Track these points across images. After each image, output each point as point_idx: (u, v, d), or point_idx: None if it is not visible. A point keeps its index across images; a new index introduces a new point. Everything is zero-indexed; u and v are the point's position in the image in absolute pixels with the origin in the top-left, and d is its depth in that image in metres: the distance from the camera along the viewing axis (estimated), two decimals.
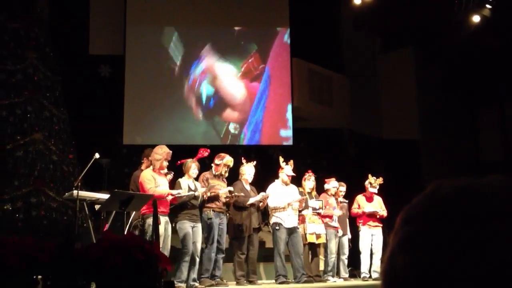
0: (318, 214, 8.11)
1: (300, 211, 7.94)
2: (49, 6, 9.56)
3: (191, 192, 6.90)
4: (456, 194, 0.66)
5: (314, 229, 8.02)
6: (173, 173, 6.95)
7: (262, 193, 7.59)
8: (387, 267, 0.69)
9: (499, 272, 0.59)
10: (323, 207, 8.19)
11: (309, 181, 8.20)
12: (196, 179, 7.23)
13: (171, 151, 6.79)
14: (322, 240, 8.13)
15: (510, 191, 0.65)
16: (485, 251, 0.60)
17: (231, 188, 7.27)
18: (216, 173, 7.33)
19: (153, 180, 6.57)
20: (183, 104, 10.90)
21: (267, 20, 11.52)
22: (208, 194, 7.05)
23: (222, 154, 7.42)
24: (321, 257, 8.39)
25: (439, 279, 0.62)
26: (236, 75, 11.17)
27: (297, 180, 8.18)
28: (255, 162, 7.78)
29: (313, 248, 8.15)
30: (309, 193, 8.17)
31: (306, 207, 8.01)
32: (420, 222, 0.67)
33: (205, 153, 7.24)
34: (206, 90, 10.99)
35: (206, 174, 7.33)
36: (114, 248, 3.76)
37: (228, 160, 7.35)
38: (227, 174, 7.44)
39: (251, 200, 7.44)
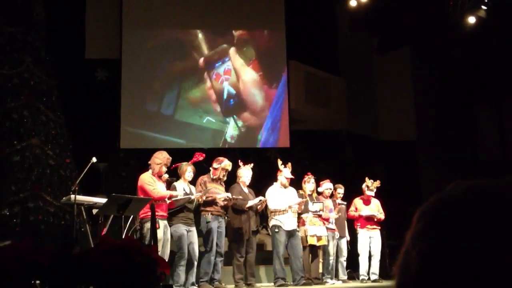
0: (319, 216, 8.09)
1: (300, 214, 7.93)
2: (46, 10, 9.53)
3: (187, 196, 6.89)
4: (463, 193, 0.71)
5: (315, 231, 8.00)
6: (175, 178, 6.96)
7: (260, 197, 7.57)
8: (402, 262, 0.73)
9: (488, 265, 0.64)
10: (324, 209, 8.17)
11: (309, 184, 8.18)
12: (193, 182, 7.22)
13: (170, 157, 6.84)
14: (323, 242, 8.09)
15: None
16: (479, 246, 0.65)
17: (229, 194, 7.25)
18: (214, 177, 7.31)
19: (154, 182, 6.60)
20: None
21: (263, 23, 11.51)
22: (204, 198, 7.04)
23: (221, 158, 7.41)
24: (320, 259, 8.37)
25: (443, 270, 0.66)
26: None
27: (296, 183, 8.16)
28: (252, 165, 7.76)
29: (313, 250, 8.13)
30: (310, 195, 8.15)
31: (306, 210, 7.99)
32: (431, 217, 0.71)
33: (200, 157, 7.23)
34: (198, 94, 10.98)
35: (204, 178, 7.32)
36: (113, 251, 3.74)
37: (227, 164, 7.34)
38: (225, 178, 7.43)
39: (250, 203, 7.43)
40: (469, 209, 0.68)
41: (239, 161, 7.79)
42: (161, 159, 6.76)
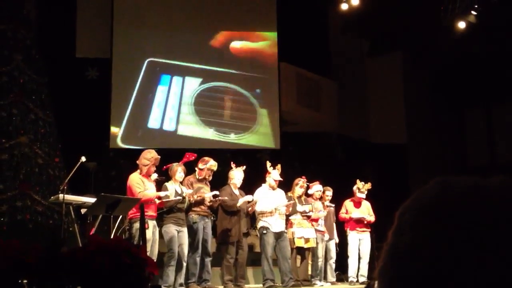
0: (308, 217, 8.08)
1: (288, 216, 7.92)
2: (36, 8, 9.48)
3: (178, 197, 6.85)
4: (467, 196, 0.69)
5: (302, 233, 7.99)
6: (164, 178, 6.92)
7: (249, 196, 7.54)
8: (386, 263, 0.70)
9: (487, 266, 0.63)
10: (313, 210, 8.17)
11: (302, 188, 8.15)
12: (182, 183, 7.18)
13: (159, 157, 6.76)
14: (311, 244, 8.08)
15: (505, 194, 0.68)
16: (488, 251, 0.64)
17: (216, 192, 7.23)
18: (200, 178, 7.28)
19: (142, 183, 6.54)
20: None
21: (254, 25, 11.52)
22: (195, 197, 7.00)
23: (206, 159, 7.36)
24: (309, 261, 8.37)
25: (449, 282, 0.64)
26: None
27: (286, 185, 8.14)
28: (244, 167, 7.73)
29: (301, 252, 8.12)
30: (299, 198, 8.14)
31: (295, 212, 7.98)
32: (430, 226, 0.68)
33: (191, 157, 7.20)
34: (194, 94, 10.96)
35: (190, 178, 7.28)
36: (101, 251, 3.72)
37: (212, 164, 7.30)
38: (210, 178, 7.40)
39: (240, 202, 7.39)
40: (471, 217, 0.66)
41: (232, 162, 7.77)
42: (149, 159, 6.67)
